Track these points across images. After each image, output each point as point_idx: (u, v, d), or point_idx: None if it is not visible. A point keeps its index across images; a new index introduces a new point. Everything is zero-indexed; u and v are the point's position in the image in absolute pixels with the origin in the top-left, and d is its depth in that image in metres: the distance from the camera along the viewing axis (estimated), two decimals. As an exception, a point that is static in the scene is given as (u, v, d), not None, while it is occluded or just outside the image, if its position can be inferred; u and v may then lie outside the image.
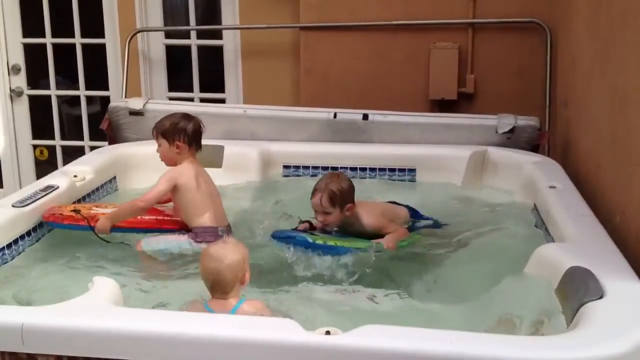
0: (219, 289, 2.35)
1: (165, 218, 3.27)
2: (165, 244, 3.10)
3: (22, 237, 3.01)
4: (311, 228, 3.15)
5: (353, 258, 2.92)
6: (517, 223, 3.33)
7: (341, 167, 4.12)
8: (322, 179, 3.15)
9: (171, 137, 3.25)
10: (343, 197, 3.07)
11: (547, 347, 1.87)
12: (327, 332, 1.94)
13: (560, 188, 3.26)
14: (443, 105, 4.86)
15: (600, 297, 2.09)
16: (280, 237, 3.01)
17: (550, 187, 3.27)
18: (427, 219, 3.40)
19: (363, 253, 2.96)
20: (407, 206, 3.43)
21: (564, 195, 3.15)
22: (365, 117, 4.28)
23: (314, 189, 3.10)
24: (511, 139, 4.13)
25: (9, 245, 2.91)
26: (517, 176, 3.75)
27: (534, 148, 4.16)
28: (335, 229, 3.15)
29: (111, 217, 3.10)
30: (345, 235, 3.13)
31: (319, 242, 2.95)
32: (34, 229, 3.11)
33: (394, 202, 3.45)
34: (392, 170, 4.11)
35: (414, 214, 3.41)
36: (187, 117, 3.33)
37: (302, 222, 3.20)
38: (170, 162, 3.28)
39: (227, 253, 2.37)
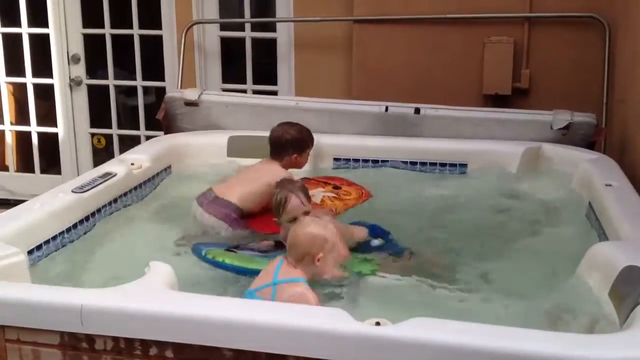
0: (291, 253, 2.54)
1: None
2: None
3: (80, 221, 3.10)
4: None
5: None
6: (572, 221, 3.28)
7: (391, 161, 4.12)
8: (281, 186, 2.96)
9: None
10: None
11: (600, 345, 1.85)
12: (377, 323, 1.96)
13: (617, 186, 3.19)
14: (497, 100, 4.80)
15: (656, 298, 2.05)
16: (196, 251, 2.93)
17: (606, 185, 3.20)
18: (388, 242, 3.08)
19: None
20: (375, 227, 3.16)
21: (620, 194, 3.09)
22: (417, 111, 4.26)
23: (279, 199, 2.88)
24: (567, 136, 4.05)
25: (68, 230, 3.00)
26: (572, 173, 3.69)
27: (590, 145, 4.08)
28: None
29: None
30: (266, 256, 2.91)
31: (227, 261, 2.83)
32: (92, 214, 3.20)
33: (361, 223, 3.19)
34: (443, 165, 4.09)
35: (378, 234, 3.12)
36: None
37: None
38: None
39: (314, 225, 2.57)
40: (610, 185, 3.20)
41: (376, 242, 3.06)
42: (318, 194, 3.54)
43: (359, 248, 3.01)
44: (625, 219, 2.75)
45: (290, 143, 3.41)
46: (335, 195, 3.57)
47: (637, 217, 2.78)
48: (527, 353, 1.83)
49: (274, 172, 3.32)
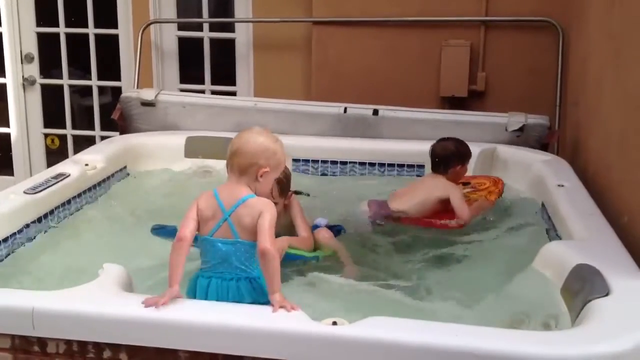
0: (236, 160, 2.23)
1: None
2: None
3: (33, 223, 3.04)
4: None
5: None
6: (525, 221, 3.34)
7: (350, 162, 4.14)
8: None
9: None
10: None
11: (551, 342, 1.89)
12: (334, 323, 1.97)
13: (569, 187, 3.27)
14: (453, 103, 4.86)
15: (606, 295, 2.10)
16: (157, 230, 2.89)
17: (558, 185, 3.28)
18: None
19: None
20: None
21: (572, 194, 3.16)
22: (376, 112, 4.29)
23: None
24: (521, 137, 4.13)
25: (20, 231, 2.94)
26: (526, 174, 3.76)
27: (544, 147, 4.16)
28: None
29: None
30: None
31: None
32: (45, 216, 3.14)
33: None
34: (400, 166, 4.12)
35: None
36: None
37: None
38: None
39: (266, 134, 2.28)
40: (562, 185, 3.27)
41: (322, 221, 3.09)
42: None
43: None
44: (576, 219, 2.81)
45: (454, 155, 3.52)
46: (473, 189, 3.60)
47: (588, 216, 2.84)
48: (481, 350, 1.85)
49: (445, 187, 3.42)
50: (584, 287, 2.17)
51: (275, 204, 2.76)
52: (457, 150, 3.54)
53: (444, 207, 3.38)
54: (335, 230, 3.09)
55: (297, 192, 3.15)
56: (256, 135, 2.27)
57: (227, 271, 2.22)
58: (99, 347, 2.05)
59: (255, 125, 2.37)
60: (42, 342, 2.09)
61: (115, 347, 2.04)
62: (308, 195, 3.40)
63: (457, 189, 3.43)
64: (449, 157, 3.52)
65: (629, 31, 3.11)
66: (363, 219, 3.35)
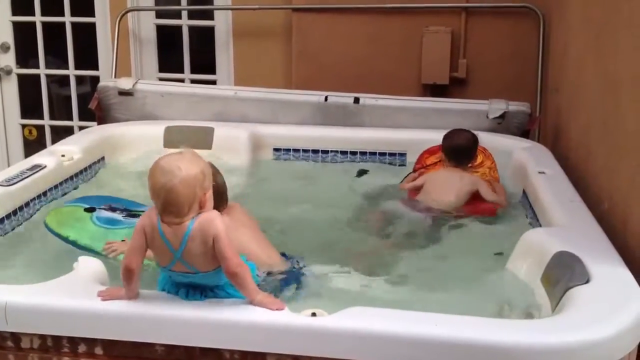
0: (173, 210, 1.96)
1: None
2: None
3: (7, 216, 2.98)
4: None
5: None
6: (506, 208, 3.34)
7: (332, 151, 4.12)
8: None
9: None
10: None
11: (532, 330, 1.88)
12: (313, 314, 1.95)
13: (550, 174, 3.26)
14: (435, 90, 4.84)
15: (587, 282, 2.10)
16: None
17: (539, 172, 3.27)
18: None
19: None
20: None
21: (553, 181, 3.16)
22: (357, 100, 4.26)
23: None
24: (502, 124, 4.12)
25: (-5, 224, 2.89)
26: (507, 161, 3.74)
27: (525, 134, 4.15)
28: None
29: None
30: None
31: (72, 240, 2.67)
32: (20, 208, 3.08)
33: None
34: (382, 154, 4.10)
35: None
36: None
37: None
38: None
39: (183, 164, 1.97)
40: (543, 172, 3.27)
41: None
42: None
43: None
44: (557, 206, 2.80)
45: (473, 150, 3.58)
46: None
47: (569, 203, 2.84)
48: (462, 339, 1.84)
49: (472, 182, 3.42)
50: (564, 274, 2.16)
51: None
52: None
53: (474, 197, 3.39)
54: (290, 275, 2.56)
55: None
56: (177, 170, 1.95)
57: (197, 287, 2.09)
58: (73, 341, 2.02)
59: (160, 155, 2.06)
60: (15, 337, 2.05)
61: (91, 342, 2.01)
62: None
63: (481, 181, 3.43)
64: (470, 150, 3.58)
65: (608, 16, 3.10)
66: (416, 216, 3.30)
